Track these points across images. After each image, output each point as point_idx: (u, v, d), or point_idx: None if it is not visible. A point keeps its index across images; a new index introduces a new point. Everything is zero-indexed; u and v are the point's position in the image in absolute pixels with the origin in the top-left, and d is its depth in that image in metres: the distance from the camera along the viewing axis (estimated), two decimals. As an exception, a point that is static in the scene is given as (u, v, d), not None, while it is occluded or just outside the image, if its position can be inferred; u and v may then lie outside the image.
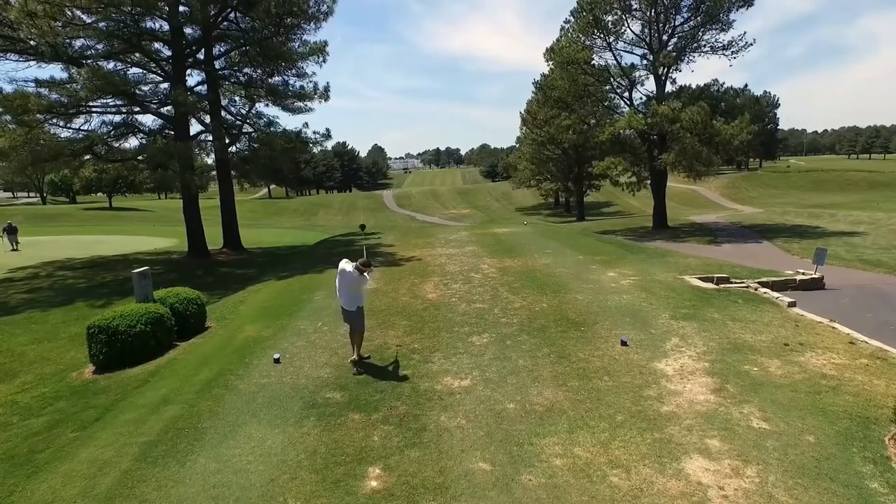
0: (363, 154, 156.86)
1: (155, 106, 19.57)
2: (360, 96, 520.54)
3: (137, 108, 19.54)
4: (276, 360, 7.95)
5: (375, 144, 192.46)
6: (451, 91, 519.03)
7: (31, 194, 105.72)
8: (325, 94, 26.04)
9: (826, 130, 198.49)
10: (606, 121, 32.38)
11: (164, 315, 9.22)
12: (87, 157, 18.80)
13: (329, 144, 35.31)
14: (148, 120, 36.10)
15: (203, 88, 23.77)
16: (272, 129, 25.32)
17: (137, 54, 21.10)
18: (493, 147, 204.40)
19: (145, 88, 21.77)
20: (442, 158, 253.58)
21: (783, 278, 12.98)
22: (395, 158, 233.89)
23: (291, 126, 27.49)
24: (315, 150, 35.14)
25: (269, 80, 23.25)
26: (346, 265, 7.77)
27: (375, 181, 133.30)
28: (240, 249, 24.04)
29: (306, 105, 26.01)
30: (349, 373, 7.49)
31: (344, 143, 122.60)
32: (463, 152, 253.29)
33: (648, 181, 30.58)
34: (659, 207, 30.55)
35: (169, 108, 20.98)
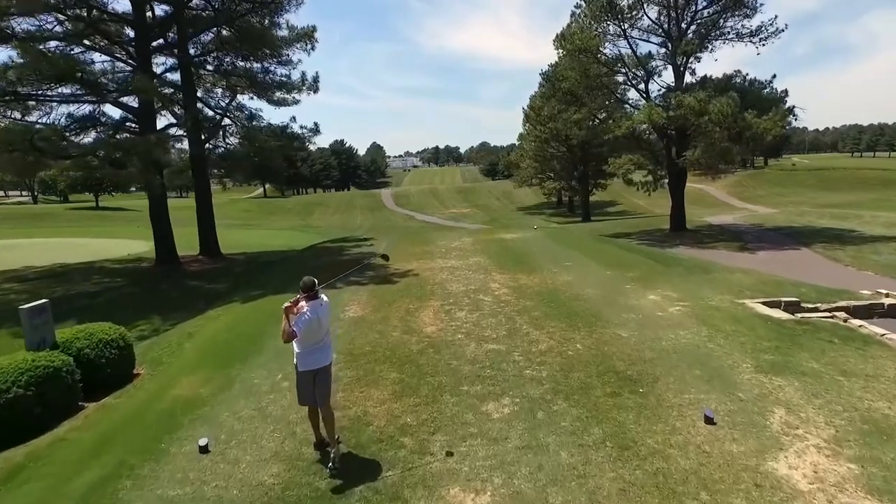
0: (362, 152, 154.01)
1: (115, 95, 16.90)
2: (359, 94, 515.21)
3: (94, 97, 16.86)
4: (203, 449, 5.36)
5: (374, 142, 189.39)
6: (451, 90, 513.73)
7: (24, 193, 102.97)
8: (313, 86, 23.48)
9: (827, 129, 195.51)
10: (621, 115, 29.76)
11: (63, 368, 6.62)
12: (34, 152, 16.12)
13: (318, 140, 32.48)
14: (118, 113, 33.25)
15: (177, 77, 21.17)
16: (255, 123, 22.74)
17: (105, 42, 18.51)
18: (493, 145, 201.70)
19: (117, 78, 19.14)
20: (441, 157, 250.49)
21: (866, 302, 10.39)
22: (395, 157, 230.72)
23: (278, 120, 24.44)
24: (311, 147, 32.39)
25: (246, 66, 20.61)
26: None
27: (374, 180, 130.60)
28: (217, 256, 21.43)
29: (293, 97, 23.48)
30: (307, 474, 4.91)
31: (342, 140, 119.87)
32: (462, 150, 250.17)
33: (665, 180, 27.95)
34: (677, 209, 27.89)
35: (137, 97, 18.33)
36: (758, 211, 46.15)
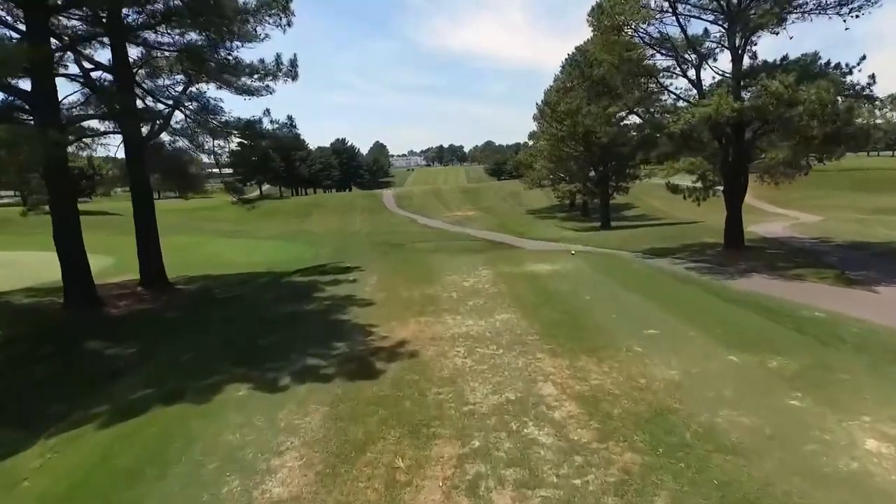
0: (364, 151, 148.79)
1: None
2: (362, 93, 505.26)
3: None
4: None
5: (377, 141, 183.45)
6: (454, 88, 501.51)
7: (16, 193, 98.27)
8: (291, 71, 18.46)
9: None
10: (656, 107, 24.65)
11: None
12: None
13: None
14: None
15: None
16: (212, 116, 17.68)
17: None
18: (497, 144, 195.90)
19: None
20: (445, 156, 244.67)
21: None
22: (398, 156, 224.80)
23: (248, 114, 19.02)
24: (288, 144, 27.18)
25: (190, 41, 15.52)
26: None
27: (376, 179, 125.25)
28: (161, 286, 16.36)
29: (267, 85, 18.49)
30: None
31: (343, 139, 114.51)
32: (467, 149, 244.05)
33: (719, 187, 22.75)
34: (734, 221, 22.59)
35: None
36: (799, 217, 40.84)
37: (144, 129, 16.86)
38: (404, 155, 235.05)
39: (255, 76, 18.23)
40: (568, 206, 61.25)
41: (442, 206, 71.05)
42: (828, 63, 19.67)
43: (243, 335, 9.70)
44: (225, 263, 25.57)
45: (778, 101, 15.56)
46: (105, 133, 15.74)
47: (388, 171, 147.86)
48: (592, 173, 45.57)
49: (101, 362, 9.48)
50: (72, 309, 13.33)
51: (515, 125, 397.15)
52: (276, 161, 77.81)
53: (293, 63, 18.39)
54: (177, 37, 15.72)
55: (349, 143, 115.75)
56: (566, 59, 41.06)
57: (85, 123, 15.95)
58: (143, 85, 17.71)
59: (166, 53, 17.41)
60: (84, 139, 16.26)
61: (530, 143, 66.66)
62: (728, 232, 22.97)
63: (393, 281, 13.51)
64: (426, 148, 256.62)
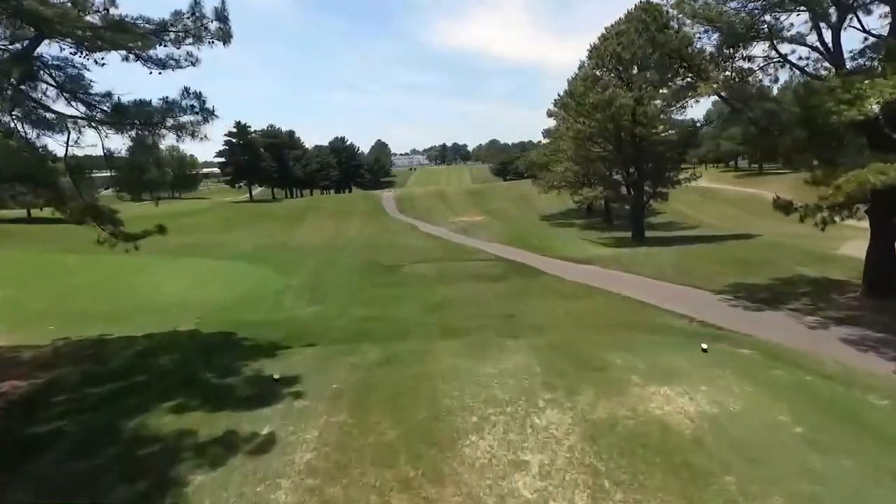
0: (366, 150, 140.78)
1: None
2: (363, 91, 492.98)
3: None
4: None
5: (378, 140, 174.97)
6: (457, 86, 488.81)
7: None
8: (221, 30, 11.23)
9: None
10: (749, 89, 17.29)
11: None
12: None
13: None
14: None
15: None
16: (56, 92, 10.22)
17: None
18: (502, 143, 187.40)
19: None
20: (448, 155, 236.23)
21: None
22: (400, 155, 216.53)
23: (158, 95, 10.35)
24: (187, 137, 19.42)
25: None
26: None
27: (378, 179, 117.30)
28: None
29: (189, 52, 11.31)
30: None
31: (342, 138, 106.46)
32: (470, 148, 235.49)
33: (861, 206, 15.18)
34: (883, 257, 15.05)
35: None
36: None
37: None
38: (406, 154, 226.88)
39: (168, 37, 10.81)
40: (585, 211, 53.57)
41: (446, 210, 63.41)
42: None
43: None
44: (149, 308, 18.11)
45: None
46: None
47: (389, 170, 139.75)
48: (618, 176, 37.98)
49: None
50: None
51: (520, 123, 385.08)
52: (267, 160, 70.23)
53: (221, 16, 10.89)
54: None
55: (349, 142, 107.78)
56: (626, 17, 33.23)
57: None
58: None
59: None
60: None
61: (546, 141, 58.96)
62: (872, 272, 15.32)
63: (350, 453, 5.72)
64: (429, 147, 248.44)
